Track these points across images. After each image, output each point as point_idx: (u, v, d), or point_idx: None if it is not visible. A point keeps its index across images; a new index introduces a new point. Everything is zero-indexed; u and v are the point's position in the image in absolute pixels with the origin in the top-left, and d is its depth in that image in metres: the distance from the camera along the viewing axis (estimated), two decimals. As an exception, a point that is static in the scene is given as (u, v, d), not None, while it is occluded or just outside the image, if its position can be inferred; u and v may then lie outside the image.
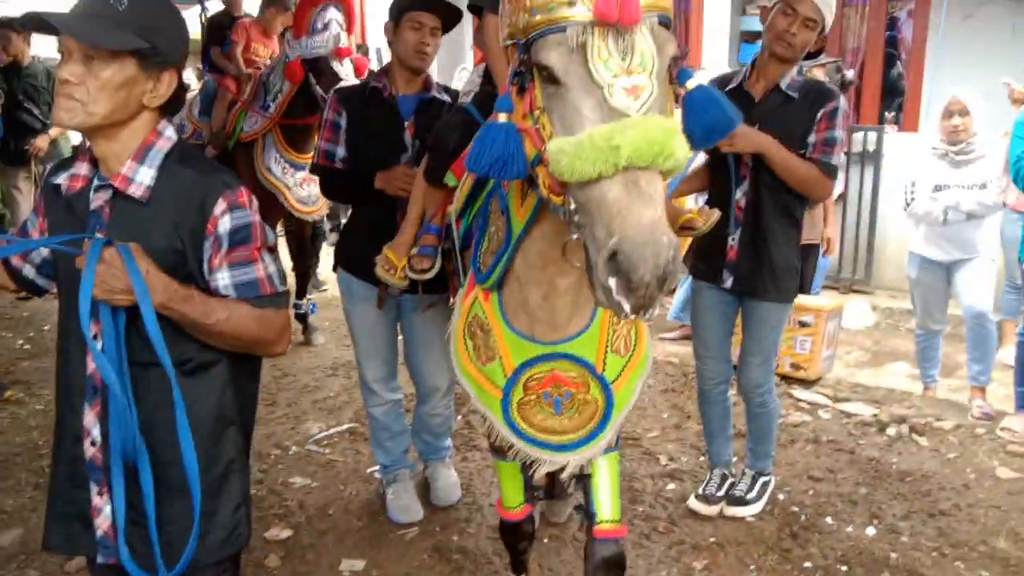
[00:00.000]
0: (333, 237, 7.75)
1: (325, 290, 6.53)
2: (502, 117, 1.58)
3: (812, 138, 2.80)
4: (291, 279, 5.75)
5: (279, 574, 2.94)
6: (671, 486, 3.54)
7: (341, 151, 2.99)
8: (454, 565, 2.99)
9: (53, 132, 6.40)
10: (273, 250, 1.76)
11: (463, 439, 3.96)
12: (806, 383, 4.59)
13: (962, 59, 7.01)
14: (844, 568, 2.94)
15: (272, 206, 4.96)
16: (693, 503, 3.29)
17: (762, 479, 3.31)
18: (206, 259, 1.65)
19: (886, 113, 8.08)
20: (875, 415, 4.16)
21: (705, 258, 3.10)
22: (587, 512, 2.20)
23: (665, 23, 1.48)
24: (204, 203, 1.63)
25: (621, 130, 1.35)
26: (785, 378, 4.62)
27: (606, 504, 2.18)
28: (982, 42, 7.04)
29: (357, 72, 4.26)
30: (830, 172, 2.82)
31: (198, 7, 5.78)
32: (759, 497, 3.27)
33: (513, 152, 1.55)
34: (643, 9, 1.40)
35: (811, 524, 3.18)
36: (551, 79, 1.46)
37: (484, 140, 1.58)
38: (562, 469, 2.14)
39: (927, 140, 4.39)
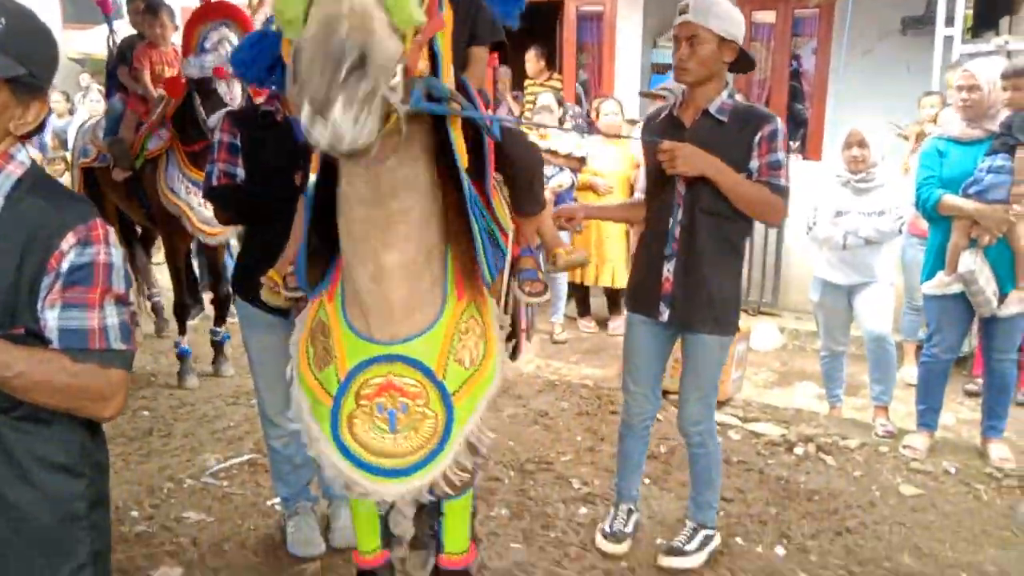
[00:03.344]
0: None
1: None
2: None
3: (755, 163, 2.72)
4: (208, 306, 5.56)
5: (167, 616, 2.74)
6: (583, 510, 3.48)
7: (241, 172, 2.84)
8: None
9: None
10: (123, 300, 1.59)
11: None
12: (716, 404, 4.60)
13: (861, 92, 7.32)
14: (754, 588, 2.91)
15: (178, 228, 4.77)
16: (600, 542, 3.16)
17: (703, 532, 3.08)
18: (42, 297, 1.49)
19: (791, 143, 8.34)
20: (783, 435, 4.20)
21: (640, 290, 2.98)
22: (435, 541, 2.22)
23: None
24: (51, 237, 1.48)
25: None
26: (696, 400, 4.63)
27: (454, 536, 2.18)
28: (880, 77, 7.37)
29: (256, 96, 4.12)
30: (781, 193, 2.73)
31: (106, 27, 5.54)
32: (699, 550, 3.05)
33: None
34: None
35: (722, 545, 3.15)
36: None
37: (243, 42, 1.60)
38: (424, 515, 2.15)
39: (829, 168, 4.52)
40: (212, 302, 5.20)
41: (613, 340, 6.14)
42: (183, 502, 3.52)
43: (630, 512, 3.24)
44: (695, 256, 2.80)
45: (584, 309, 6.63)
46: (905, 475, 3.82)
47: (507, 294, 2.30)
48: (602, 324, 6.55)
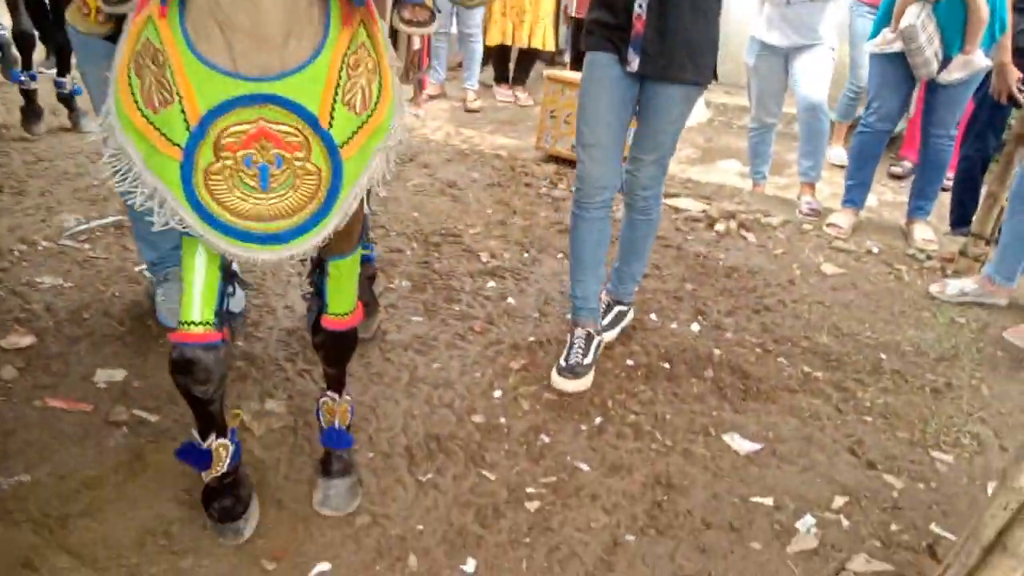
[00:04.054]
0: None
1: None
2: None
3: None
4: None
5: (17, 388, 2.39)
6: (491, 284, 3.22)
7: None
8: (237, 372, 2.55)
9: None
10: None
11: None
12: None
13: None
14: (666, 365, 2.76)
15: None
16: (556, 379, 2.57)
17: (618, 308, 2.85)
18: None
19: None
20: (704, 211, 3.98)
21: (603, 29, 2.44)
22: (319, 301, 1.95)
23: None
24: None
25: None
26: (617, 173, 4.34)
27: (337, 296, 1.91)
28: None
29: None
30: None
31: None
32: (611, 326, 2.82)
33: None
34: None
35: (635, 321, 2.97)
36: None
37: None
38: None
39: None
40: (52, 48, 4.48)
41: (532, 111, 5.72)
42: (37, 265, 3.08)
43: (589, 338, 2.64)
44: None
45: (502, 75, 6.11)
46: (827, 254, 3.68)
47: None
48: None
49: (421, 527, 2.03)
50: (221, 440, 1.87)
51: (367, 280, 2.85)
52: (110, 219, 3.47)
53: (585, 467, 2.27)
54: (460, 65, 6.08)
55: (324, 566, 1.90)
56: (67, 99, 4.47)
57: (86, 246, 3.26)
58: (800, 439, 2.43)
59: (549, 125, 4.39)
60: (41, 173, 3.90)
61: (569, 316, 2.79)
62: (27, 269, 3.05)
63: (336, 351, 2.00)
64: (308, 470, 2.15)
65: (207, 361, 1.71)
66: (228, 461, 1.88)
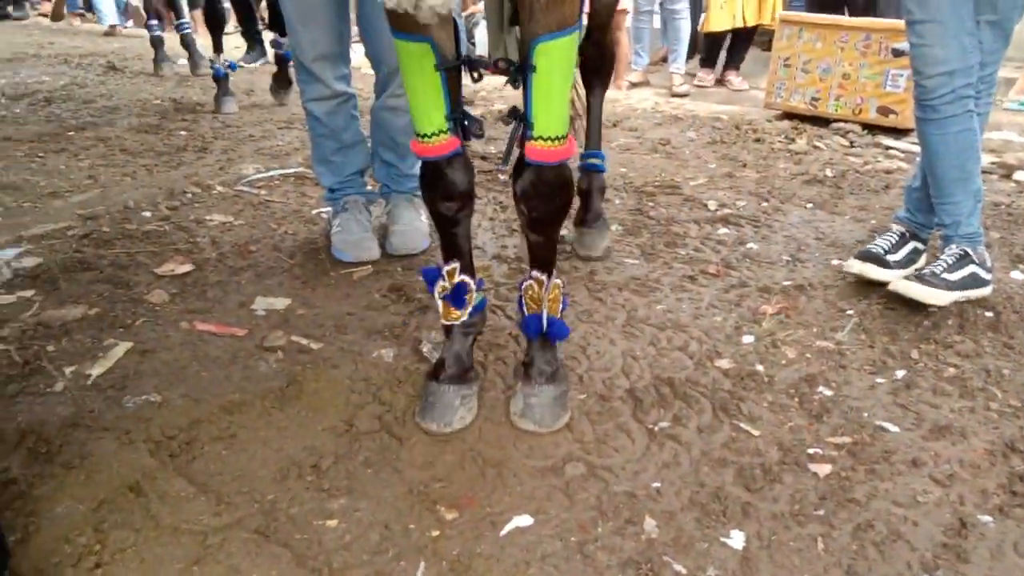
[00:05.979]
0: None
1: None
2: None
3: None
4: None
5: (164, 312, 2.02)
6: (723, 230, 2.58)
7: None
8: (416, 304, 2.07)
9: None
10: None
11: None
12: (896, 133, 3.53)
13: None
14: (987, 314, 1.99)
15: None
16: (850, 262, 2.14)
17: (914, 244, 2.19)
18: None
19: None
20: (994, 163, 3.13)
21: None
22: (524, 121, 1.46)
23: None
24: None
25: None
26: (869, 127, 3.57)
27: (548, 112, 1.42)
28: None
29: None
30: None
31: None
32: (901, 266, 2.14)
33: None
34: None
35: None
36: None
37: None
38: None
39: None
40: (207, 24, 4.39)
41: (748, 95, 5.03)
42: (209, 206, 2.79)
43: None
44: None
45: (711, 59, 5.46)
46: None
47: None
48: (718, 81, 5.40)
49: (658, 485, 1.41)
50: (465, 277, 1.59)
51: (599, 191, 2.36)
52: (291, 170, 3.15)
53: (893, 428, 1.58)
54: (664, 60, 5.52)
55: (524, 520, 1.33)
56: (283, 61, 4.30)
57: (263, 192, 2.94)
58: None
59: (782, 76, 3.71)
60: (227, 136, 3.70)
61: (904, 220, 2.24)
62: (197, 209, 2.75)
63: (543, 198, 1.48)
64: (500, 410, 1.61)
65: (446, 173, 1.51)
66: (470, 306, 1.59)
